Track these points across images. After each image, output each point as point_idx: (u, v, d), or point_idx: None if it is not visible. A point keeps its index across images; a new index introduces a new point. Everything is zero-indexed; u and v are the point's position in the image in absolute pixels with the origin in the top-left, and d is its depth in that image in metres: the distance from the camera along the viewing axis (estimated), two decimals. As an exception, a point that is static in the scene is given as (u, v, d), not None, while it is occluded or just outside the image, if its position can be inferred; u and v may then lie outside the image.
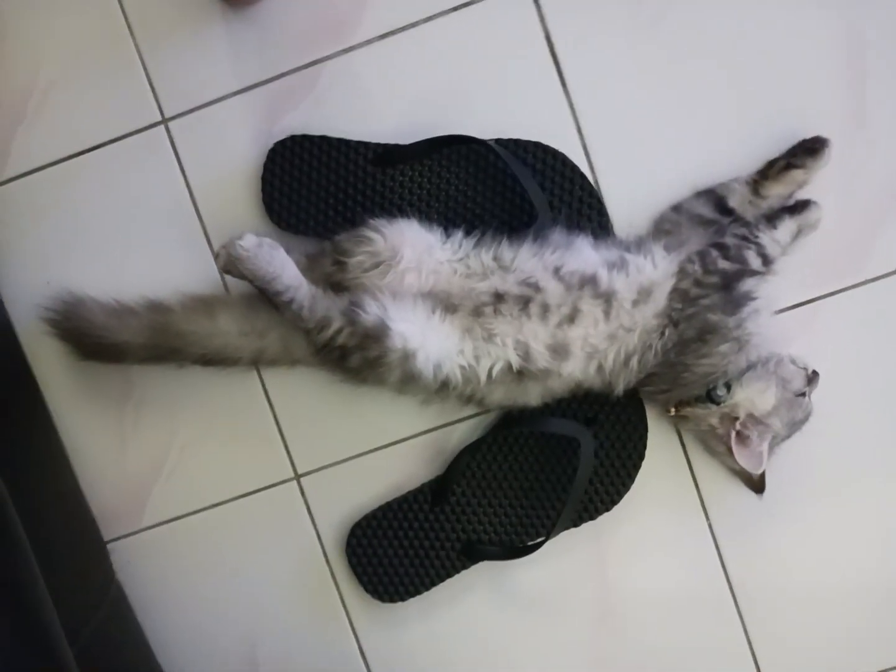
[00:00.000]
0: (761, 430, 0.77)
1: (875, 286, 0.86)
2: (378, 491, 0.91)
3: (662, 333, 0.77)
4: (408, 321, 0.75)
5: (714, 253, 0.77)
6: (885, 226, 0.85)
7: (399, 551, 0.90)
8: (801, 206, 0.82)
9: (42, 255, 0.91)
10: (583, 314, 0.77)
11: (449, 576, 0.90)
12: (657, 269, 0.78)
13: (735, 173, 0.84)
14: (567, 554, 0.90)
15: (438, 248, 0.79)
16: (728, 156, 0.85)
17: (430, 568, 0.90)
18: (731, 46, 0.85)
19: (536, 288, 0.77)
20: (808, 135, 0.83)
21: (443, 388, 0.77)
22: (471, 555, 0.89)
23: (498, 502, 0.88)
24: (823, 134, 0.82)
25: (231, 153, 0.88)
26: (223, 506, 0.93)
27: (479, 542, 0.89)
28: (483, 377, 0.77)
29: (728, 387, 0.78)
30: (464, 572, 0.89)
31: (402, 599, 0.90)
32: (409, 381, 0.76)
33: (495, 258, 0.78)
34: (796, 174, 0.81)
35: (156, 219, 0.90)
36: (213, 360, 0.85)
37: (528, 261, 0.78)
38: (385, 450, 0.91)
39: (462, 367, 0.77)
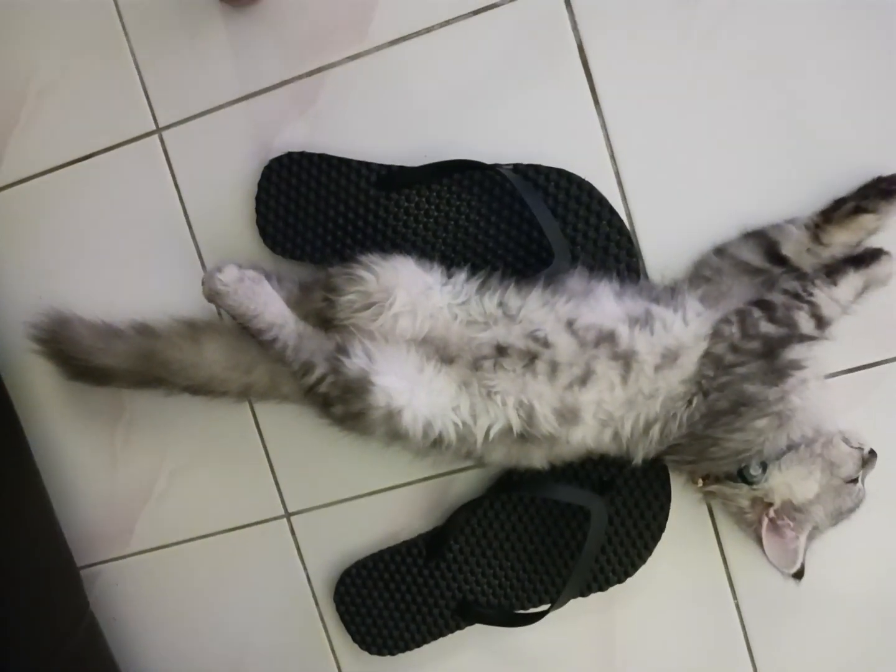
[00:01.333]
0: (799, 521, 0.67)
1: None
2: (371, 537, 0.85)
3: (689, 402, 0.67)
4: (395, 374, 0.67)
5: (757, 313, 0.66)
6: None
7: (390, 604, 0.83)
8: (869, 258, 0.69)
9: (33, 267, 0.87)
10: (597, 376, 0.67)
11: (441, 634, 0.83)
12: (688, 328, 0.67)
13: (792, 214, 0.72)
14: (571, 622, 0.82)
15: (437, 291, 0.70)
16: (785, 193, 0.73)
17: (421, 624, 0.83)
18: (793, 69, 0.72)
19: (545, 343, 0.67)
20: (884, 172, 0.69)
21: (435, 445, 0.70)
22: (466, 615, 0.82)
23: (498, 563, 0.81)
24: (903, 172, 0.69)
25: (227, 167, 0.81)
26: (212, 537, 0.89)
27: (475, 604, 0.81)
28: (480, 437, 0.69)
29: (764, 466, 0.68)
30: (458, 632, 0.82)
31: (391, 653, 0.84)
32: (396, 437, 0.69)
33: (500, 305, 0.69)
34: (866, 219, 0.69)
35: (148, 233, 0.84)
36: (200, 390, 0.80)
37: (537, 310, 0.68)
38: (380, 495, 0.85)
39: (456, 425, 0.68)
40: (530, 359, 0.68)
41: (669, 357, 0.66)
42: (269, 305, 0.72)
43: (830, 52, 0.72)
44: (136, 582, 0.91)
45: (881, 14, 0.71)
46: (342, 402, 0.68)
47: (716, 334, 0.66)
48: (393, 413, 0.66)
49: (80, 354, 0.80)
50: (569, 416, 0.68)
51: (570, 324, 0.68)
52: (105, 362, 0.80)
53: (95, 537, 0.90)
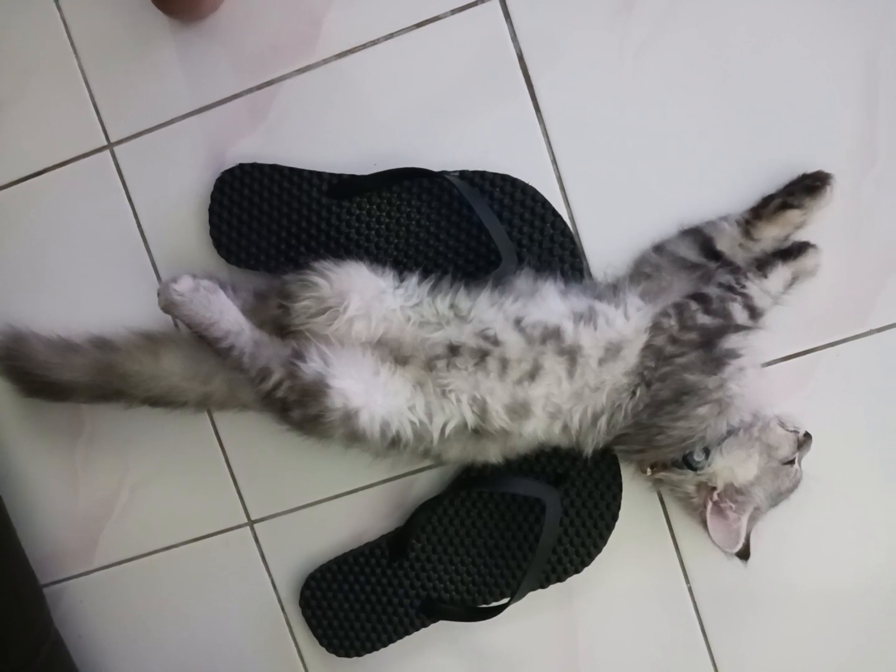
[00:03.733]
0: (741, 503, 0.70)
1: (881, 337, 0.77)
2: (334, 541, 0.86)
3: (633, 393, 0.70)
4: (350, 377, 0.68)
5: (693, 306, 0.69)
6: (892, 272, 0.76)
7: (355, 605, 0.85)
8: (797, 251, 0.73)
9: (-14, 285, 0.86)
10: (545, 371, 0.69)
11: (407, 633, 0.84)
12: (629, 323, 0.70)
13: (725, 212, 0.75)
14: (534, 615, 0.84)
15: (390, 294, 0.72)
16: (720, 192, 0.76)
17: (387, 624, 0.85)
18: (727, 74, 0.76)
19: (495, 341, 0.70)
20: (809, 170, 0.74)
21: (393, 445, 0.71)
22: (430, 612, 0.83)
23: (460, 560, 0.83)
24: (826, 169, 0.73)
25: (180, 180, 0.83)
26: (176, 548, 0.89)
27: (439, 600, 0.83)
28: (436, 435, 0.71)
29: (707, 452, 0.71)
30: (424, 629, 0.84)
31: (359, 654, 0.85)
32: (354, 438, 0.70)
33: (451, 306, 0.71)
34: (793, 214, 0.73)
35: (103, 248, 0.85)
36: (159, 402, 0.81)
37: (486, 310, 0.71)
38: (341, 498, 0.86)
39: (413, 424, 0.70)
40: (481, 357, 0.70)
41: (612, 350, 0.69)
42: (225, 314, 0.73)
43: (759, 59, 0.76)
44: (101, 598, 0.91)
45: (806, 18, 0.75)
46: (300, 406, 0.69)
47: (655, 327, 0.69)
48: (350, 414, 0.68)
49: (37, 370, 0.80)
50: (520, 410, 0.70)
51: (517, 322, 0.70)
52: (63, 377, 0.80)
53: (59, 554, 0.90)
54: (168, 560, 0.89)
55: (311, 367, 0.68)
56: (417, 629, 0.84)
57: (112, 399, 0.81)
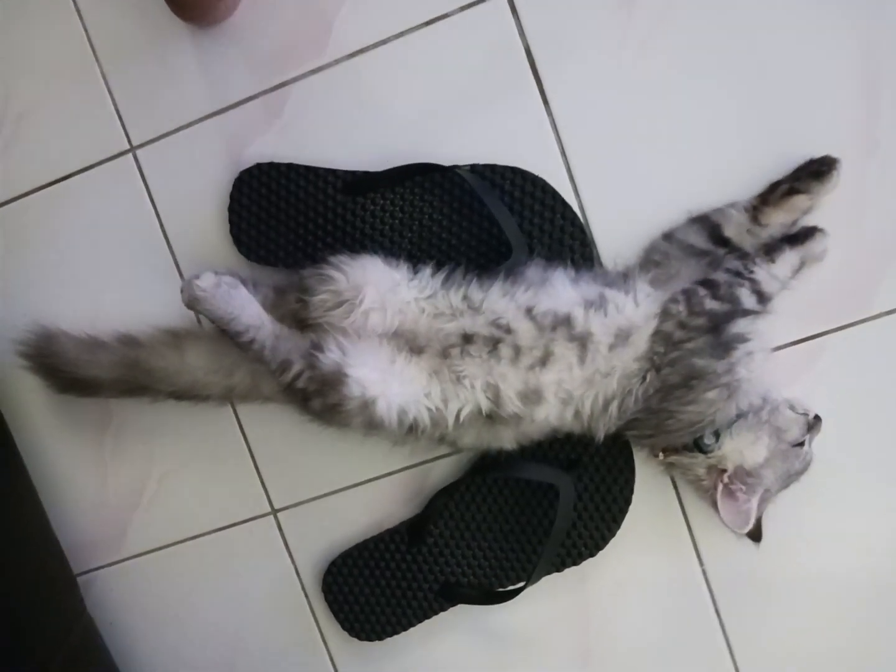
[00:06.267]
0: (751, 485, 0.71)
1: (889, 320, 0.78)
2: (355, 528, 0.89)
3: (644, 379, 0.71)
4: (367, 366, 0.71)
5: (702, 292, 0.71)
6: (893, 257, 0.77)
7: (376, 590, 0.87)
8: (804, 236, 0.74)
9: (17, 285, 0.90)
10: (556, 357, 0.71)
11: (426, 617, 0.87)
12: (638, 309, 0.72)
13: (734, 198, 0.77)
14: (549, 598, 0.86)
15: (405, 287, 0.74)
16: (728, 179, 0.77)
17: (407, 608, 0.87)
18: (732, 62, 0.77)
19: (507, 329, 0.72)
20: (816, 155, 0.75)
21: (411, 431, 0.73)
22: (449, 597, 0.85)
23: (477, 545, 0.85)
24: (832, 154, 0.74)
25: (200, 181, 0.85)
26: (202, 538, 0.92)
27: (457, 585, 0.85)
28: (451, 420, 0.73)
29: (717, 435, 0.72)
30: (443, 613, 0.86)
31: (380, 638, 0.88)
32: (372, 426, 0.73)
33: (464, 298, 0.73)
34: (800, 200, 0.74)
35: (127, 248, 0.88)
36: (184, 395, 0.83)
37: (498, 300, 0.73)
38: (361, 487, 0.88)
39: (430, 410, 0.72)
40: (494, 344, 0.72)
41: (622, 336, 0.71)
42: (246, 308, 0.75)
43: (761, 46, 0.77)
44: (130, 586, 0.94)
45: (812, 7, 0.76)
46: (320, 396, 0.72)
47: (664, 313, 0.71)
48: (368, 403, 0.70)
49: (66, 367, 0.83)
50: (532, 396, 0.72)
51: (529, 310, 0.72)
52: (91, 373, 0.83)
53: (90, 544, 0.93)
54: (195, 549, 0.92)
55: (330, 357, 0.71)
56: (437, 613, 0.86)
57: (139, 394, 0.84)
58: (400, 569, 0.86)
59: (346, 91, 0.82)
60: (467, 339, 0.72)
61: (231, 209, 0.83)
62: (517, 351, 0.71)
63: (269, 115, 0.84)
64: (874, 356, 0.78)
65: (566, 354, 0.71)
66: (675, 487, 0.83)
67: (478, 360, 0.72)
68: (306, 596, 0.91)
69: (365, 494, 0.88)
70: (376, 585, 0.87)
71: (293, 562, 0.91)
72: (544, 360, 0.71)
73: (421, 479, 0.87)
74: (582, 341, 0.71)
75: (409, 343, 0.73)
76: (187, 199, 0.86)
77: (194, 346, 0.82)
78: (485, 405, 0.72)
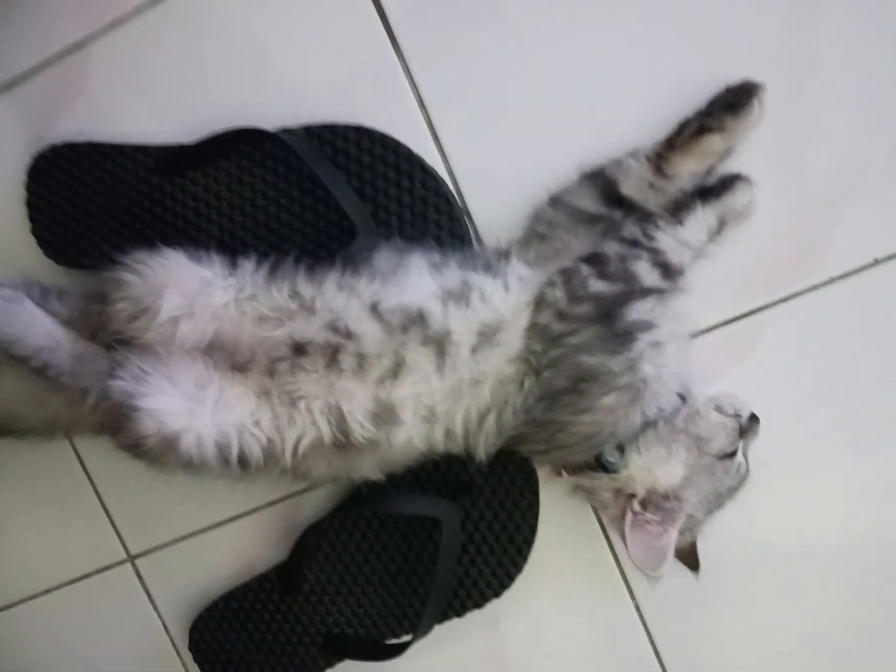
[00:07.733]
0: (668, 512, 0.56)
1: (843, 286, 0.61)
2: (223, 572, 0.76)
3: (521, 385, 0.56)
4: (167, 394, 0.56)
5: (585, 270, 0.55)
6: (850, 206, 0.60)
7: (250, 646, 0.74)
8: (721, 187, 0.58)
9: None
10: (409, 366, 0.56)
11: (312, 675, 0.73)
12: (508, 297, 0.56)
13: (638, 146, 0.60)
14: (458, 644, 0.72)
15: (219, 286, 0.58)
16: (630, 126, 0.61)
17: (289, 666, 0.74)
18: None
19: (347, 333, 0.56)
20: (733, 82, 0.58)
21: (244, 470, 0.59)
22: (334, 651, 0.72)
23: (360, 589, 0.70)
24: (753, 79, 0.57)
25: (-4, 168, 0.70)
26: (54, 592, 0.79)
27: (342, 637, 0.71)
28: (289, 454, 0.58)
29: (621, 450, 0.57)
30: (330, 671, 0.73)
31: (263, 702, 0.74)
32: (190, 465, 0.58)
33: (293, 295, 0.58)
34: (712, 140, 0.57)
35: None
36: (2, 432, 0.69)
37: (335, 297, 0.57)
38: (226, 525, 0.75)
39: (260, 441, 0.58)
40: (332, 354, 0.57)
41: (487, 334, 0.55)
42: (32, 327, 0.61)
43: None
44: (-19, 649, 0.81)
45: None
46: (115, 432, 0.57)
47: (539, 301, 0.55)
48: (168, 439, 0.55)
49: None
50: (385, 415, 0.57)
51: (374, 308, 0.57)
52: None
53: (-70, 606, 0.81)
54: (47, 605, 0.80)
55: (120, 385, 0.56)
56: (323, 670, 0.73)
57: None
58: (276, 620, 0.73)
59: (156, 46, 0.66)
60: (298, 349, 0.57)
61: (30, 204, 0.69)
62: (361, 360, 0.56)
63: (70, 86, 0.68)
64: (826, 332, 0.62)
65: (421, 361, 0.56)
66: (595, 508, 0.68)
67: (314, 376, 0.57)
68: (176, 651, 0.78)
69: (231, 534, 0.75)
70: (250, 641, 0.73)
71: (159, 614, 0.78)
72: (396, 371, 0.56)
73: (290, 515, 0.73)
74: (439, 344, 0.56)
75: (230, 357, 0.58)
76: (-18, 195, 0.71)
77: (2, 371, 0.68)
78: (327, 433, 0.57)
